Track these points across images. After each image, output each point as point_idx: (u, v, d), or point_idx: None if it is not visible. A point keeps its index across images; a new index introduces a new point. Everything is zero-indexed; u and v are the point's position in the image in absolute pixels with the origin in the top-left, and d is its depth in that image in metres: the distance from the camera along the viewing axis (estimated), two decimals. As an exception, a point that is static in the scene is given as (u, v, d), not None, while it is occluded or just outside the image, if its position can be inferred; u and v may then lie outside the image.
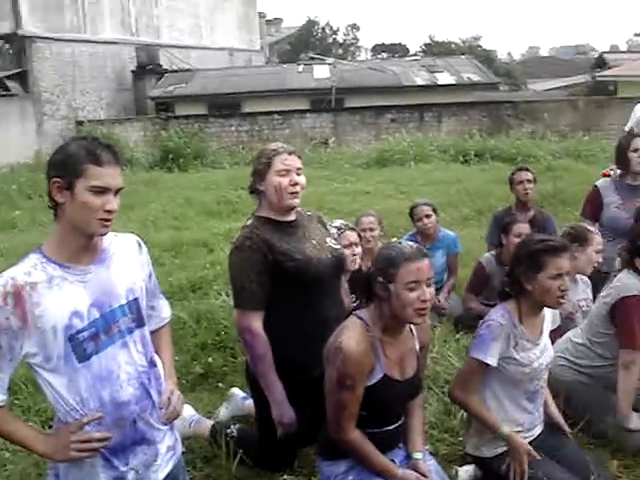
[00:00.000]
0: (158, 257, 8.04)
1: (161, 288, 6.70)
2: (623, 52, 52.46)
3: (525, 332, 3.28)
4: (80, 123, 20.29)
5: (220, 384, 4.73)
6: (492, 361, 3.20)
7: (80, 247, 2.33)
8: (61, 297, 2.26)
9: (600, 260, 4.61)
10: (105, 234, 2.35)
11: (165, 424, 2.53)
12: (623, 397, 3.74)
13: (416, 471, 2.98)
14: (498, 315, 3.27)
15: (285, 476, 3.53)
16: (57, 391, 2.31)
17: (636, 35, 73.25)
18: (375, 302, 2.92)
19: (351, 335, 2.83)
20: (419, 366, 3.09)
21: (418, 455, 3.06)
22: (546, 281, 3.19)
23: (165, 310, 2.78)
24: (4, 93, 18.91)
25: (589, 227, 4.70)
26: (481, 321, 3.36)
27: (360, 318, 2.91)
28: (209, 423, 3.92)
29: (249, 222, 3.45)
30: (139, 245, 2.59)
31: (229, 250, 3.43)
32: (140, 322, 2.48)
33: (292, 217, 3.47)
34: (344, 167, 15.24)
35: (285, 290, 3.33)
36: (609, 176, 6.32)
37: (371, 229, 5.41)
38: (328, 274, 3.43)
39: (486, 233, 6.56)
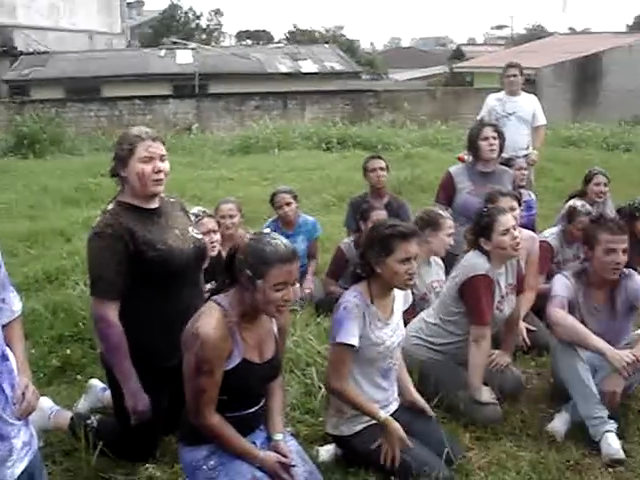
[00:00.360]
0: (12, 248, 7.69)
1: (15, 280, 6.44)
2: (480, 45, 54.70)
3: (377, 312, 3.40)
4: None
5: (79, 376, 4.59)
6: (355, 341, 3.29)
7: None
8: None
9: (452, 243, 4.83)
10: None
11: (19, 419, 2.46)
12: (474, 371, 3.95)
13: (277, 452, 3.02)
14: (352, 296, 3.37)
15: (147, 465, 3.50)
16: None
17: (493, 28, 76.34)
18: (236, 288, 2.92)
19: (208, 320, 2.83)
20: (278, 348, 3.14)
21: (278, 436, 3.10)
22: (395, 264, 3.31)
23: (16, 303, 2.68)
24: None
25: (441, 212, 4.92)
26: (336, 304, 3.45)
27: (218, 304, 2.91)
28: (69, 414, 3.82)
29: (110, 207, 3.36)
30: None
31: (88, 235, 3.34)
32: None
33: (155, 204, 3.42)
34: (207, 154, 15.09)
35: (145, 279, 3.28)
36: (464, 160, 6.63)
37: (231, 216, 5.43)
38: (190, 265, 3.41)
39: (344, 219, 6.70)
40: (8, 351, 2.50)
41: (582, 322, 3.95)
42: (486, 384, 4.00)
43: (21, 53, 23.95)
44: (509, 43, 47.51)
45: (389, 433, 3.30)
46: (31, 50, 24.72)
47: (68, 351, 4.86)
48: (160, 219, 3.40)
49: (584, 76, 24.09)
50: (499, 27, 72.05)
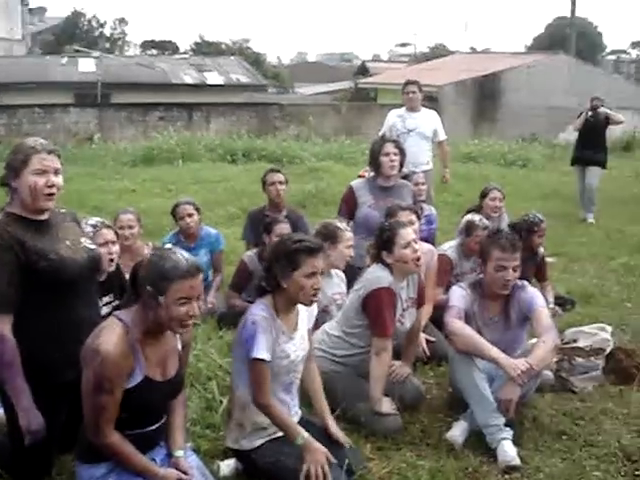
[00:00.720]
0: None
1: None
2: (384, 61, 55.63)
3: (282, 326, 3.38)
4: None
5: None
6: (267, 355, 3.25)
7: None
8: None
9: (352, 255, 4.88)
10: None
11: None
12: (374, 383, 3.98)
13: (177, 469, 2.97)
14: (259, 309, 3.34)
15: (43, 484, 3.37)
16: None
17: (397, 46, 77.85)
18: (140, 305, 2.87)
19: (109, 337, 2.77)
20: (181, 365, 3.09)
21: (179, 453, 3.05)
22: (301, 279, 3.30)
23: None
24: None
25: (339, 224, 4.96)
26: (243, 317, 3.42)
27: (120, 320, 2.85)
28: None
29: None
30: None
31: None
32: None
33: (45, 216, 3.31)
34: (109, 164, 14.80)
35: (37, 291, 3.17)
36: (364, 177, 6.77)
37: (130, 227, 5.35)
38: (83, 275, 3.31)
39: (242, 231, 6.68)
40: None
41: (478, 332, 4.05)
42: (387, 395, 4.05)
43: None
44: (412, 60, 48.55)
45: (312, 452, 3.25)
46: None
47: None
48: (50, 230, 3.29)
49: (484, 94, 24.86)
50: (403, 45, 73.62)
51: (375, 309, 4.02)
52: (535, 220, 5.99)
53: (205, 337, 5.02)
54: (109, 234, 4.30)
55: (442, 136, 8.15)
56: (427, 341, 4.88)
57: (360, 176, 7.94)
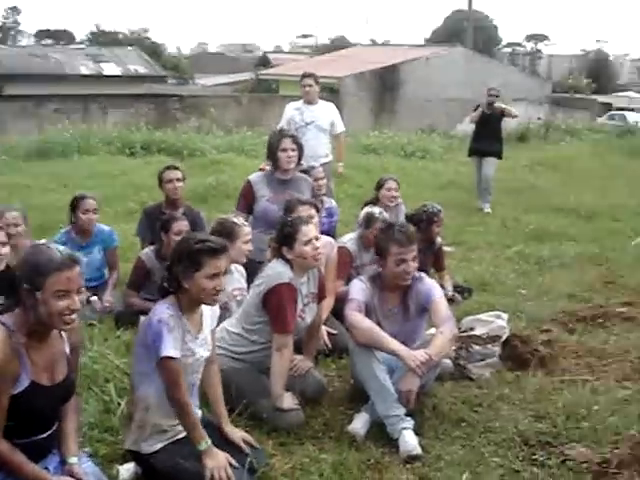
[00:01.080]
0: None
1: None
2: (286, 53, 55.69)
3: (187, 324, 3.31)
4: None
5: None
6: (176, 353, 3.18)
7: None
8: None
9: (251, 249, 4.82)
10: None
11: None
12: (276, 379, 3.95)
13: (71, 476, 2.88)
14: (164, 308, 3.26)
15: None
16: None
17: (298, 37, 77.99)
18: (21, 309, 2.77)
19: None
20: (70, 369, 2.99)
21: (73, 460, 2.96)
22: (203, 280, 3.24)
23: None
24: None
25: (235, 220, 4.89)
26: (146, 317, 3.33)
27: (2, 324, 2.74)
28: None
29: None
30: None
31: None
32: None
33: None
34: (1, 159, 14.23)
35: None
36: (264, 170, 6.72)
37: (15, 225, 5.16)
38: None
39: (136, 227, 6.53)
40: None
41: (378, 324, 4.08)
42: (288, 390, 4.02)
43: None
44: (314, 52, 48.75)
45: (213, 457, 3.21)
46: None
47: None
48: None
49: (384, 86, 25.19)
50: (304, 36, 74.00)
51: (276, 305, 3.99)
52: (434, 210, 6.11)
53: (102, 338, 4.86)
54: None
55: (340, 128, 8.18)
56: (328, 334, 4.88)
57: (261, 169, 7.92)
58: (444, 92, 24.78)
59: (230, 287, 4.72)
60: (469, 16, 36.32)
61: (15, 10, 52.29)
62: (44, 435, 2.89)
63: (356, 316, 4.05)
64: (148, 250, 5.60)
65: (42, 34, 57.73)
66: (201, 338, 3.41)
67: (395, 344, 3.91)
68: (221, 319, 4.51)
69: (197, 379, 3.47)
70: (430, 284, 4.29)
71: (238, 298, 4.75)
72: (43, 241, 3.33)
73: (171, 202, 6.21)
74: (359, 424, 3.94)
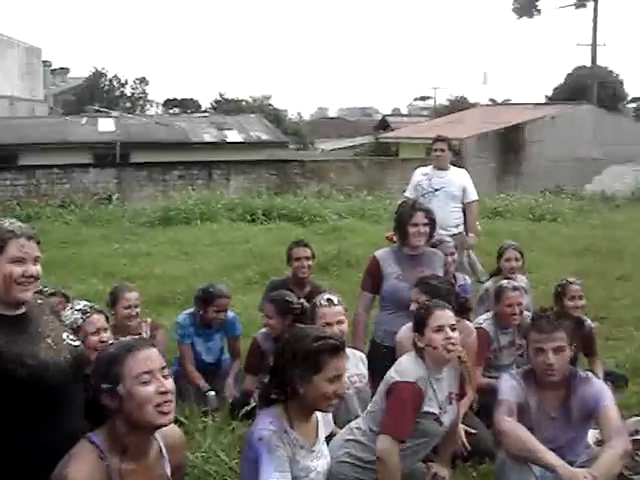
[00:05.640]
0: None
1: None
2: (404, 115, 55.85)
3: (299, 439, 2.85)
4: None
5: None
6: (286, 476, 2.73)
7: None
8: None
9: (343, 330, 4.21)
10: None
11: None
12: None
13: None
14: (266, 423, 2.81)
15: None
16: None
17: (416, 99, 78.14)
18: (109, 422, 2.40)
19: (79, 466, 2.29)
20: None
21: None
22: (323, 384, 2.81)
23: None
24: None
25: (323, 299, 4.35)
26: (249, 435, 2.89)
27: (92, 442, 2.37)
28: None
29: None
30: None
31: None
32: None
33: (21, 310, 2.83)
34: (126, 226, 14.44)
35: (14, 402, 2.67)
36: (393, 239, 6.18)
37: (136, 305, 4.89)
38: (67, 380, 2.80)
39: (259, 302, 6.14)
40: None
41: (531, 429, 3.46)
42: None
43: None
44: (432, 114, 48.55)
45: None
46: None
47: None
48: (29, 327, 2.80)
49: (507, 146, 24.50)
50: (422, 98, 73.85)
51: (392, 404, 3.47)
52: (562, 282, 5.43)
53: (216, 430, 4.43)
54: (100, 320, 3.81)
55: (473, 196, 7.54)
56: (467, 433, 4.23)
57: (388, 238, 7.43)
58: (571, 151, 23.87)
59: (346, 374, 4.20)
60: (592, 72, 35.17)
61: (143, 81, 54.63)
62: None
63: (508, 422, 3.45)
64: (264, 330, 5.19)
65: (170, 103, 60.24)
66: (317, 450, 2.95)
67: (553, 458, 3.27)
68: (338, 410, 4.02)
69: None
70: (599, 386, 3.62)
71: (356, 385, 4.24)
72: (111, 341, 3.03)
73: (298, 280, 5.82)
74: None
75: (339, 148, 36.83)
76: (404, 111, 73.88)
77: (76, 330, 3.60)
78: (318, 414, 3.02)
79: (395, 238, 5.48)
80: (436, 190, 7.25)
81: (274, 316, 4.92)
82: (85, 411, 2.48)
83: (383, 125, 40.49)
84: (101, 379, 2.42)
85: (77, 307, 3.79)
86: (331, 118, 71.48)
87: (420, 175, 7.52)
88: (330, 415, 3.16)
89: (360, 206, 16.46)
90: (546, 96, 44.30)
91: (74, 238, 12.85)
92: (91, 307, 3.85)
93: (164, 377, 2.43)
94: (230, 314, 5.68)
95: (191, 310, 5.59)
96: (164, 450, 2.55)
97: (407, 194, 7.62)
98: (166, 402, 2.39)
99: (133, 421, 2.38)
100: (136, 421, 2.38)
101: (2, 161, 20.94)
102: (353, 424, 3.77)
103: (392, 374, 3.60)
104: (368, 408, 3.79)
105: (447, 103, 53.46)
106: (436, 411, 3.59)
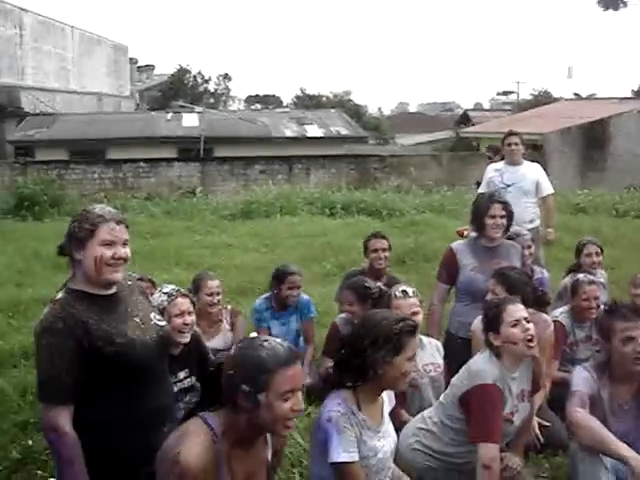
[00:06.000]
0: (-9, 318, 7.33)
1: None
2: (486, 110, 54.98)
3: (367, 420, 2.94)
4: None
5: (39, 472, 4.13)
6: (353, 456, 2.82)
7: None
8: None
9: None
10: None
11: None
12: None
13: None
14: (334, 405, 2.91)
15: None
16: None
17: (499, 94, 76.90)
18: (229, 410, 2.45)
19: (193, 447, 2.35)
20: (269, 478, 2.67)
21: None
22: (403, 364, 2.91)
23: None
24: None
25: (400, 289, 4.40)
26: (318, 417, 2.99)
27: (208, 424, 2.43)
28: None
29: (60, 296, 2.95)
30: None
31: (35, 330, 2.90)
32: None
33: (112, 290, 3.01)
34: (208, 218, 14.79)
35: (104, 378, 2.86)
36: (463, 235, 6.28)
37: (218, 293, 5.05)
38: (153, 358, 2.98)
39: (336, 292, 6.25)
40: None
41: (604, 421, 3.47)
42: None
43: (27, 114, 23.97)
44: (515, 108, 47.70)
45: None
46: (38, 111, 24.77)
47: (30, 442, 4.40)
48: (118, 307, 2.99)
49: (591, 142, 23.95)
50: (505, 93, 72.57)
51: (476, 410, 3.47)
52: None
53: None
54: (185, 303, 3.98)
55: (548, 189, 7.43)
56: (540, 426, 4.25)
57: (458, 233, 7.47)
58: (658, 146, 23.17)
59: (421, 362, 4.27)
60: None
61: (226, 77, 55.39)
62: None
63: (580, 413, 3.46)
64: (343, 315, 5.31)
65: (252, 99, 61.01)
66: (383, 430, 3.03)
67: (625, 449, 3.26)
68: (411, 399, 4.11)
69: (385, 476, 3.07)
70: None
71: (431, 374, 4.30)
72: (254, 334, 3.12)
73: (374, 271, 5.91)
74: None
75: (419, 143, 36.60)
76: (486, 106, 72.86)
77: (162, 312, 3.79)
78: (384, 395, 3.09)
79: (465, 233, 5.51)
80: (508, 186, 7.18)
81: (355, 302, 5.02)
82: (205, 388, 2.55)
83: (464, 120, 40.04)
84: (243, 380, 2.40)
85: (164, 290, 3.98)
86: (412, 113, 71.14)
87: (492, 171, 7.48)
88: (392, 392, 3.23)
89: (440, 201, 16.36)
90: (632, 90, 43.05)
91: (159, 230, 13.23)
92: (177, 290, 4.03)
93: (300, 392, 2.46)
94: (304, 297, 5.87)
95: (267, 295, 5.77)
96: (268, 436, 2.64)
97: (480, 191, 7.60)
98: (294, 421, 2.46)
99: (259, 425, 2.44)
100: (262, 427, 2.44)
101: (90, 155, 21.70)
102: (426, 413, 3.85)
103: (467, 376, 3.61)
104: (440, 399, 3.85)
105: (530, 97, 52.50)
106: (508, 411, 3.61)
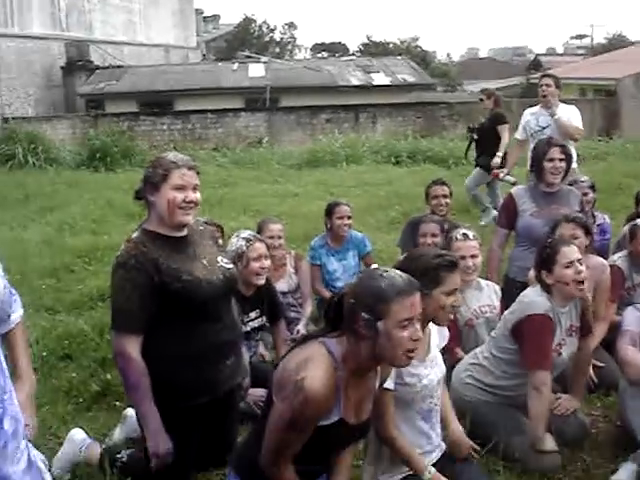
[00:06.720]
0: (70, 263, 7.72)
1: (69, 297, 6.37)
2: (559, 55, 53.47)
3: None
4: (6, 120, 19.56)
5: (117, 403, 4.46)
6: (388, 384, 2.97)
7: None
8: None
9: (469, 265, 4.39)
10: None
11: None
12: (536, 420, 3.58)
13: None
14: None
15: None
16: None
17: (572, 38, 74.67)
18: (349, 338, 2.57)
19: (317, 372, 2.47)
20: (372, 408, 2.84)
21: None
22: (442, 297, 3.04)
23: (16, 311, 2.59)
24: None
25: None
26: None
27: (330, 352, 2.56)
28: (99, 449, 3.68)
29: (135, 235, 3.20)
30: None
31: (112, 265, 3.17)
32: None
33: (183, 232, 3.24)
34: (275, 168, 15.00)
35: (172, 312, 3.10)
36: (498, 176, 6.78)
37: (279, 237, 5.25)
38: (217, 296, 3.19)
39: (398, 238, 6.39)
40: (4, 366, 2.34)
41: None
42: (549, 430, 3.63)
43: (97, 67, 24.44)
44: (589, 53, 46.30)
45: None
46: (107, 64, 25.22)
47: (109, 376, 4.72)
48: (187, 248, 3.21)
49: (668, 86, 23.16)
50: (579, 37, 70.52)
51: (528, 338, 3.61)
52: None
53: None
54: (262, 248, 4.20)
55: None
56: (594, 367, 4.37)
57: (494, 175, 8.09)
58: None
59: (476, 304, 4.40)
60: None
61: (292, 26, 55.19)
62: (320, 465, 2.79)
63: (630, 351, 3.57)
64: (402, 258, 5.48)
65: (318, 47, 60.65)
66: (429, 360, 3.18)
67: None
68: (467, 338, 4.26)
69: (433, 405, 3.22)
70: None
71: (487, 315, 4.42)
72: (375, 266, 3.28)
73: None
74: (624, 475, 3.45)
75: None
76: (559, 50, 70.84)
77: (240, 256, 4.02)
78: (433, 327, 3.24)
79: (501, 175, 5.53)
80: (543, 128, 7.13)
81: (439, 234, 5.17)
82: (326, 315, 2.68)
83: (536, 65, 39.15)
84: (363, 308, 2.48)
85: (242, 235, 4.20)
86: (481, 59, 69.64)
87: (529, 115, 7.44)
88: (445, 329, 3.38)
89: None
90: None
91: (226, 179, 13.52)
92: (254, 236, 4.25)
93: (418, 321, 2.54)
94: (360, 234, 6.12)
95: (323, 234, 6.05)
96: (379, 367, 2.79)
97: (517, 135, 7.64)
98: (414, 348, 2.54)
99: (379, 354, 2.51)
100: (382, 356, 2.54)
101: (159, 107, 22.05)
102: (478, 350, 4.01)
103: (519, 308, 3.74)
104: (492, 334, 3.99)
105: (605, 42, 50.82)
106: (556, 343, 3.73)
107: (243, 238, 4.20)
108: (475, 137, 10.20)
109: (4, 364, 2.32)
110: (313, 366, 2.48)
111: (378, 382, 2.82)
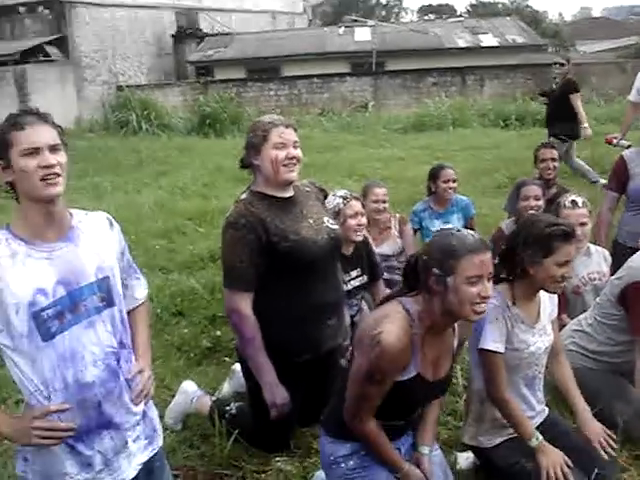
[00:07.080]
0: (182, 226, 8.01)
1: (180, 258, 6.64)
2: (680, 12, 50.65)
3: (520, 315, 3.08)
4: (120, 88, 20.26)
5: (227, 358, 4.66)
6: (498, 347, 2.99)
7: (43, 221, 2.24)
8: (24, 273, 2.17)
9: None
10: (55, 194, 2.21)
11: (136, 404, 2.44)
12: None
13: (418, 466, 2.84)
14: (491, 297, 3.08)
15: (278, 458, 3.44)
16: (22, 371, 2.24)
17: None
18: (424, 295, 2.66)
19: (393, 328, 2.57)
20: (453, 364, 2.92)
21: (425, 450, 2.90)
22: (552, 267, 2.99)
23: (139, 291, 2.66)
24: (44, 59, 19.00)
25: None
26: None
27: (406, 310, 2.65)
28: (209, 401, 3.85)
29: (243, 196, 3.32)
30: (110, 223, 2.49)
31: (222, 225, 3.30)
32: (110, 302, 2.37)
33: (289, 193, 3.33)
34: (380, 132, 15.00)
35: (278, 271, 3.21)
36: (612, 142, 6.47)
37: (384, 200, 5.28)
38: (323, 256, 3.28)
39: (505, 201, 6.31)
40: (129, 339, 2.49)
41: None
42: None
43: (206, 35, 24.88)
44: None
45: (547, 454, 2.95)
46: (215, 32, 25.63)
47: (219, 332, 4.92)
48: (294, 208, 3.30)
49: None
50: None
51: (636, 304, 3.51)
52: None
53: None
54: (358, 205, 4.26)
55: None
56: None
57: (607, 141, 7.71)
58: None
59: (585, 271, 4.31)
60: None
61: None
62: (405, 421, 2.85)
63: None
64: (509, 220, 5.42)
65: (424, 9, 59.59)
66: (538, 327, 3.15)
67: None
68: (574, 305, 4.19)
69: (537, 372, 3.22)
70: None
71: (595, 282, 4.32)
72: (449, 225, 3.31)
73: (544, 181, 5.93)
74: None
75: (602, 50, 34.53)
76: (682, 7, 67.13)
77: (337, 213, 4.09)
78: (545, 296, 3.20)
79: (614, 141, 5.39)
80: None
81: (541, 197, 5.12)
82: (404, 275, 2.77)
83: (654, 23, 37.26)
84: (434, 264, 2.57)
85: (339, 194, 4.26)
86: (595, 18, 66.77)
87: None
88: (556, 298, 3.33)
89: (621, 112, 15.57)
90: None
91: (332, 144, 13.62)
92: (350, 194, 4.31)
93: (488, 280, 2.58)
94: (465, 198, 6.05)
95: (426, 199, 6.03)
96: (456, 326, 2.85)
97: (630, 98, 7.35)
98: (483, 306, 2.59)
99: (448, 309, 2.58)
100: (451, 311, 2.60)
101: (266, 73, 22.30)
102: (582, 316, 3.94)
103: (628, 272, 3.64)
104: (597, 300, 3.91)
105: None
106: None
107: (340, 196, 4.26)
108: (546, 102, 9.96)
109: (127, 322, 2.49)
110: (389, 322, 2.59)
111: (456, 342, 2.87)
